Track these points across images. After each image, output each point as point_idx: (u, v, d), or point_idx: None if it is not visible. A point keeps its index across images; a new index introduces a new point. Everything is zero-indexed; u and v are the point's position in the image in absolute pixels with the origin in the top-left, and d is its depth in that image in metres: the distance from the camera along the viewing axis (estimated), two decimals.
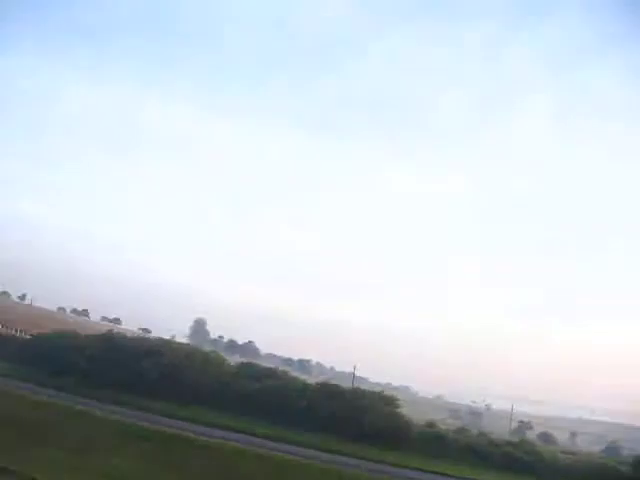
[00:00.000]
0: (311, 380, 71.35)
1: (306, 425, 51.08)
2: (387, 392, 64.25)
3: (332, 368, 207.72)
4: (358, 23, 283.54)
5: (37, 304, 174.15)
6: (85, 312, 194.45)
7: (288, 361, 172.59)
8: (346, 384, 70.37)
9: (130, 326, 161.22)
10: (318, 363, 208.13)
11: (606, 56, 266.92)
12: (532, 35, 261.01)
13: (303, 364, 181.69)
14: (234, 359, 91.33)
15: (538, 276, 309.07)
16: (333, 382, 67.35)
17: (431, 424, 60.71)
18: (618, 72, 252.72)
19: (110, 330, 77.77)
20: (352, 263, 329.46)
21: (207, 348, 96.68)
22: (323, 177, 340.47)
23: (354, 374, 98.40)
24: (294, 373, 77.11)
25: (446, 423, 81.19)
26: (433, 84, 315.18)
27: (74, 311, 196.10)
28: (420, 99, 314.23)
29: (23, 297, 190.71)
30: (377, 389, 66.99)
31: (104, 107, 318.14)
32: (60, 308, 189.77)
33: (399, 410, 57.30)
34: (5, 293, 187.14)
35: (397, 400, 59.11)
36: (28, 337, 76.59)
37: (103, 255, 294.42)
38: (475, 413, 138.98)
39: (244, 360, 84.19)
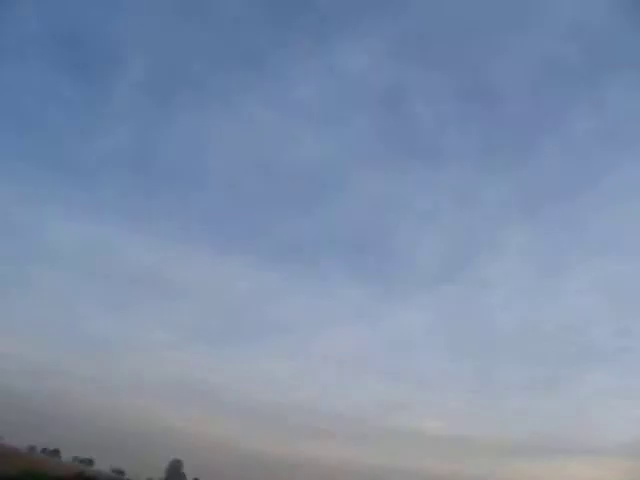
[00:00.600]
0: None
1: None
2: None
3: None
4: (336, 164, 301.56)
5: (5, 442, 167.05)
6: (56, 452, 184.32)
7: None
8: None
9: (103, 467, 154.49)
10: None
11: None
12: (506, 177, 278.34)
13: None
14: None
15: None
16: None
17: None
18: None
19: (80, 473, 75.87)
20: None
21: None
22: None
23: None
24: None
25: None
26: (410, 224, 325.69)
27: (44, 451, 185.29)
28: (399, 239, 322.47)
29: None
30: None
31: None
32: (30, 447, 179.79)
33: None
34: None
35: None
36: None
37: (77, 393, 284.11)
38: None
39: None
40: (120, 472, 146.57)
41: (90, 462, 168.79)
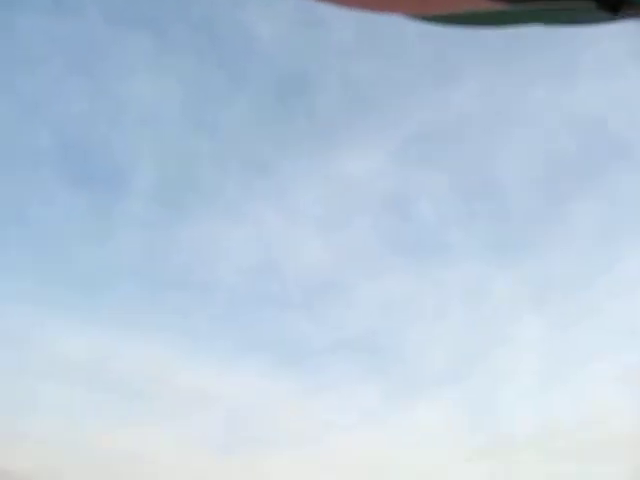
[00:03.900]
0: None
1: None
2: None
3: None
4: (342, 266, 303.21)
5: None
6: None
7: None
8: None
9: None
10: None
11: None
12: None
13: None
14: None
15: None
16: None
17: None
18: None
19: None
20: None
21: None
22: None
23: None
24: None
25: None
26: (420, 323, 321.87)
27: None
28: (409, 338, 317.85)
29: None
30: None
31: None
32: None
33: None
34: None
35: None
36: None
37: None
38: None
39: None
40: None
41: None
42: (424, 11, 2.86)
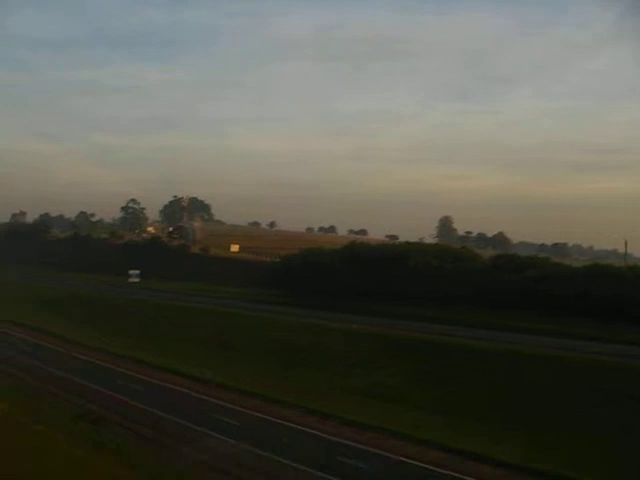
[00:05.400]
0: (574, 264, 64.31)
1: (580, 314, 45.55)
2: None
3: (591, 248, 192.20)
4: None
5: (286, 228, 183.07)
6: (332, 228, 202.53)
7: (542, 247, 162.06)
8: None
9: (376, 235, 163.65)
10: (576, 245, 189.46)
11: None
12: None
13: (559, 248, 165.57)
14: (485, 253, 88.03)
15: None
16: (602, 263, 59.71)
17: None
18: None
19: (353, 242, 77.66)
20: None
21: (456, 246, 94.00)
22: None
23: (625, 252, 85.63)
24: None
25: None
26: None
27: (321, 229, 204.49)
28: None
29: (272, 224, 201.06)
30: None
31: None
32: (308, 229, 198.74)
33: None
34: (255, 223, 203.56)
35: None
36: (276, 260, 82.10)
37: (345, 167, 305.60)
38: None
39: (496, 253, 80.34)
40: (394, 237, 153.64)
41: (364, 232, 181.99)
42: None
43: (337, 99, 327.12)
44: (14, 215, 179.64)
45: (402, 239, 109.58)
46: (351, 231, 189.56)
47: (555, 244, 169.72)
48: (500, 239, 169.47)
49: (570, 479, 21.05)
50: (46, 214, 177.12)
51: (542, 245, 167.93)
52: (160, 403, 30.83)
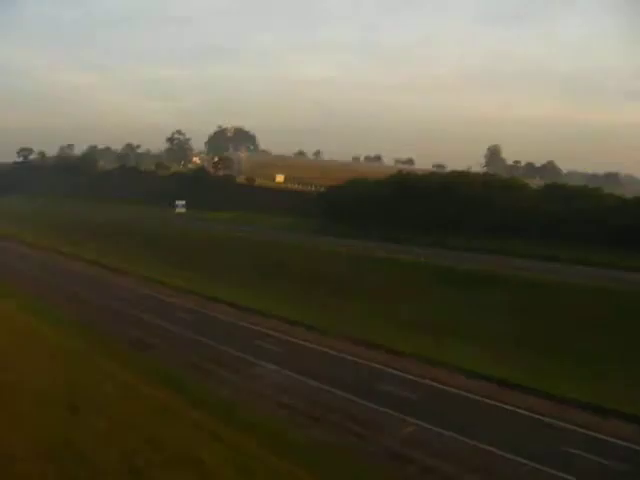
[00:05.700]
0: (625, 194, 61.60)
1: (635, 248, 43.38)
2: None
3: None
4: None
5: (332, 158, 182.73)
6: (378, 158, 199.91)
7: (593, 177, 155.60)
8: None
9: (423, 165, 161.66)
10: (628, 175, 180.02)
11: None
12: None
13: (611, 178, 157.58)
14: (534, 183, 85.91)
15: None
16: None
17: None
18: None
19: (400, 171, 76.53)
20: None
21: (504, 175, 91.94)
22: None
23: None
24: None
25: None
26: None
27: (367, 158, 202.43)
28: None
29: (318, 154, 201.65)
30: None
31: None
32: (354, 158, 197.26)
33: None
34: (301, 152, 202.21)
35: None
36: (322, 190, 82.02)
37: (391, 98, 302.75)
38: None
39: (545, 182, 77.93)
40: (441, 166, 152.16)
41: (411, 162, 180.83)
42: None
43: (387, 28, 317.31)
44: (62, 148, 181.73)
45: (449, 169, 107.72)
46: (397, 160, 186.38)
47: (607, 174, 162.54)
48: (550, 168, 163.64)
49: None
50: (93, 147, 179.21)
51: (593, 175, 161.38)
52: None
